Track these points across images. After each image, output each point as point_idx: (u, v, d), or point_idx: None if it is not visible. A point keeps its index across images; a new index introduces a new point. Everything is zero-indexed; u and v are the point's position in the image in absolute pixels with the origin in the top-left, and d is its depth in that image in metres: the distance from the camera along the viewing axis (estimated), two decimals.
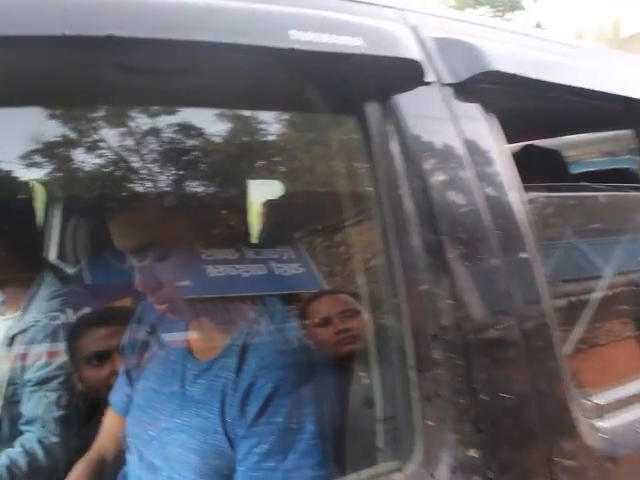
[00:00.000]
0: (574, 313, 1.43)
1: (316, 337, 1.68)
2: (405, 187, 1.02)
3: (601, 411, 1.18)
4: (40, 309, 1.91)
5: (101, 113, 1.33)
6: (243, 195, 1.43)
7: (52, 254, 2.36)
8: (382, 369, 1.05)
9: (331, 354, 1.63)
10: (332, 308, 1.72)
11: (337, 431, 1.17)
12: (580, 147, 2.73)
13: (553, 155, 2.19)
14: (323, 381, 1.21)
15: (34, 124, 1.27)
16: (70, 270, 2.25)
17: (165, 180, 1.36)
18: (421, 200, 1.03)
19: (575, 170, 2.48)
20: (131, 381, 1.43)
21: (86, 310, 1.95)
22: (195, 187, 1.41)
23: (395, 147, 1.05)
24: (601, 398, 1.22)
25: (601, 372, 1.43)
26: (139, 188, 1.42)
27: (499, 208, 1.10)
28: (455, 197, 1.05)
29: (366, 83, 1.07)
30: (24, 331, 1.88)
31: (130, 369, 1.44)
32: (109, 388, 1.53)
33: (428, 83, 1.12)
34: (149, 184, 1.33)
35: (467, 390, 0.98)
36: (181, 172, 1.40)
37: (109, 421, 1.51)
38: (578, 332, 1.39)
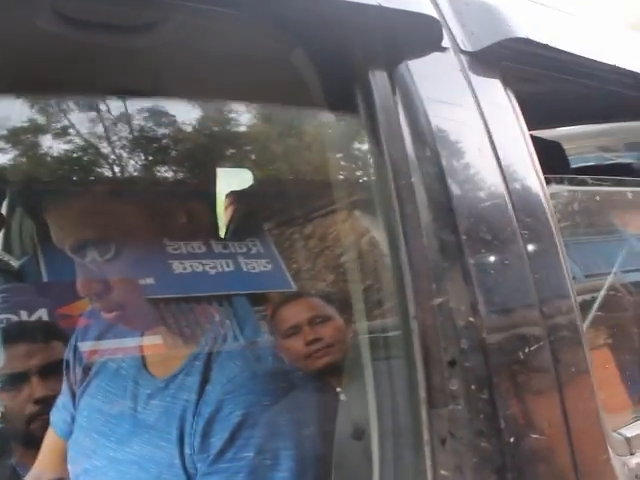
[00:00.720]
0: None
1: (286, 350, 1.48)
2: (417, 174, 0.82)
3: (631, 446, 1.00)
4: None
5: (37, 78, 1.11)
6: (211, 183, 1.22)
7: None
8: (381, 401, 0.84)
9: (305, 369, 1.43)
10: (300, 315, 1.51)
11: (320, 469, 0.97)
12: (573, 140, 2.57)
13: (554, 147, 2.00)
14: (303, 407, 1.02)
15: None
16: (15, 263, 2.03)
17: (116, 163, 1.13)
18: (435, 191, 0.83)
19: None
20: (74, 398, 1.21)
21: (42, 311, 1.71)
22: (153, 172, 1.19)
23: (404, 126, 0.85)
24: (628, 429, 1.03)
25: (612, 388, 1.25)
26: (81, 173, 1.18)
27: (524, 203, 0.91)
28: (476, 189, 0.86)
29: (371, 46, 0.87)
30: None
31: (73, 383, 1.22)
32: (25, 420, 1.32)
33: (444, 49, 0.92)
34: (95, 167, 1.09)
35: (490, 431, 0.78)
36: (137, 154, 1.18)
37: (49, 443, 1.29)
38: None
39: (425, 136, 0.86)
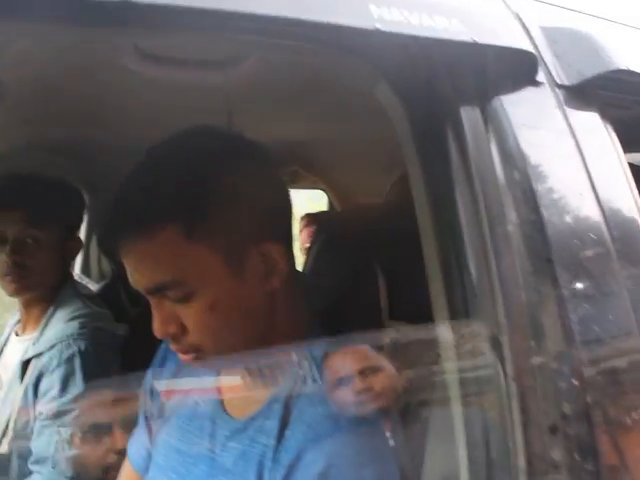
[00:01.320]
0: None
1: (334, 399, 1.43)
2: (513, 221, 0.77)
3: None
4: (57, 331, 1.68)
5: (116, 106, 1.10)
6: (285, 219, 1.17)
7: (76, 267, 2.15)
8: (474, 468, 0.78)
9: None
10: (350, 366, 1.45)
11: None
12: None
13: None
14: (387, 457, 0.96)
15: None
16: (94, 287, 2.04)
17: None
18: (534, 239, 0.77)
19: None
20: (151, 433, 1.19)
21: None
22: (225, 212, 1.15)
23: (498, 165, 0.80)
24: None
25: None
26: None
27: (624, 238, 0.84)
28: (576, 233, 0.79)
29: (461, 80, 0.82)
30: (39, 355, 1.66)
31: (149, 418, 1.21)
32: (104, 469, 1.30)
33: (539, 83, 0.86)
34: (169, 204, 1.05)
35: None
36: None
37: (125, 475, 1.27)
38: None
39: (520, 176, 0.80)
